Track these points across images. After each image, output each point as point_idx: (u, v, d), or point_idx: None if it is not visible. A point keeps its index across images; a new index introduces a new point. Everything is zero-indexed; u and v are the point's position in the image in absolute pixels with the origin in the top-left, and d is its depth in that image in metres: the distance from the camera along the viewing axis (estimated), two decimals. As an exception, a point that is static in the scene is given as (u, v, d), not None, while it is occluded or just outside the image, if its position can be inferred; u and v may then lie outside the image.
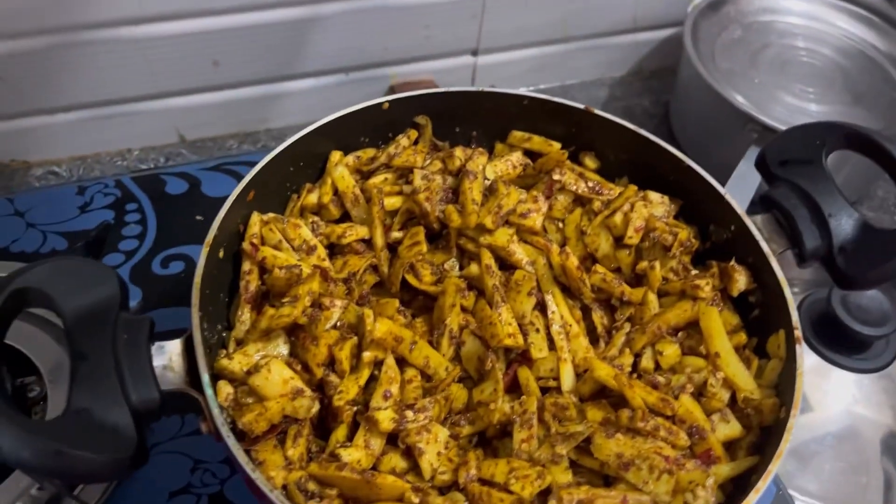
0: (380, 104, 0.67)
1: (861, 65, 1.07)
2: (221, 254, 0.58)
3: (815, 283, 0.93)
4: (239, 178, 0.81)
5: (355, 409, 0.54)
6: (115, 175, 0.84)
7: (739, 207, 0.62)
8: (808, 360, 0.85)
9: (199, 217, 0.82)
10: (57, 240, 0.78)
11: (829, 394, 0.87)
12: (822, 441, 0.84)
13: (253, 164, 0.61)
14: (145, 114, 0.98)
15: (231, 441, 0.47)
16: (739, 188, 0.74)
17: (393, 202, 0.65)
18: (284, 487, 0.50)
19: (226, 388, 0.52)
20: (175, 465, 0.64)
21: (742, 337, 0.60)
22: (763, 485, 0.48)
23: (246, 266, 0.59)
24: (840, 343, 0.84)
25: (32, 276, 0.47)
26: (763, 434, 0.55)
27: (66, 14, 0.85)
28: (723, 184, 0.85)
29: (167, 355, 0.50)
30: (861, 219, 0.59)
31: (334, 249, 0.64)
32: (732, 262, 0.61)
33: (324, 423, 0.56)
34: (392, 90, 1.07)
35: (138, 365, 0.48)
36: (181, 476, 0.64)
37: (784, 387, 0.55)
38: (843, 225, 0.59)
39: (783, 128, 0.90)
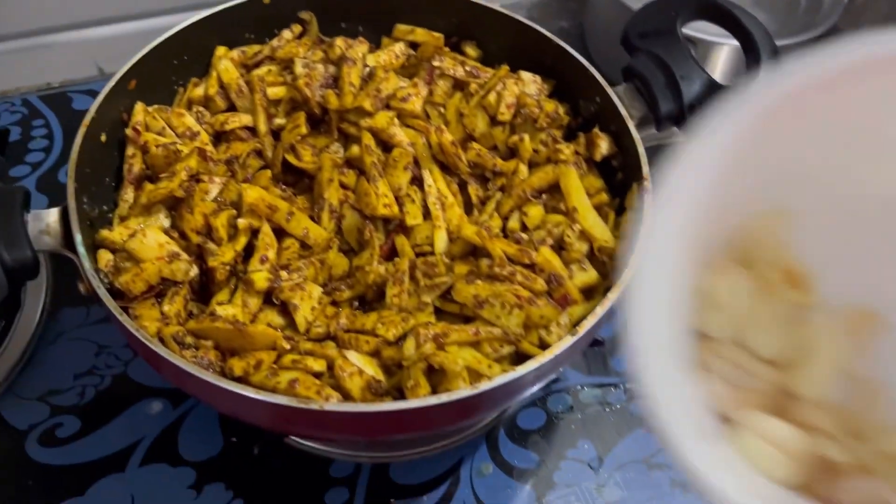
0: (261, -2, 0.69)
1: (761, -30, 1.10)
2: (104, 138, 0.61)
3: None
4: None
5: (229, 268, 0.57)
6: (21, 94, 0.86)
7: (602, 79, 0.65)
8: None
9: (105, 129, 0.84)
10: (-37, 155, 0.81)
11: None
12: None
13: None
14: (63, 45, 0.99)
15: (102, 292, 0.50)
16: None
17: (276, 91, 0.68)
18: (160, 338, 0.53)
19: (106, 256, 0.55)
20: (80, 350, 0.67)
21: (604, 197, 0.63)
22: (601, 310, 0.52)
23: (129, 151, 0.62)
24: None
25: None
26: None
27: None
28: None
29: (44, 222, 0.53)
30: (709, 79, 0.62)
31: (221, 138, 0.67)
32: (595, 130, 0.65)
33: (206, 292, 0.59)
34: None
35: (11, 227, 0.51)
36: (86, 360, 0.67)
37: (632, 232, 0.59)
38: (694, 85, 0.62)
39: (693, 34, 0.93)
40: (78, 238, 0.52)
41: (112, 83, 0.61)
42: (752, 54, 0.61)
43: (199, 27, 0.67)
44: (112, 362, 0.67)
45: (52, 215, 0.53)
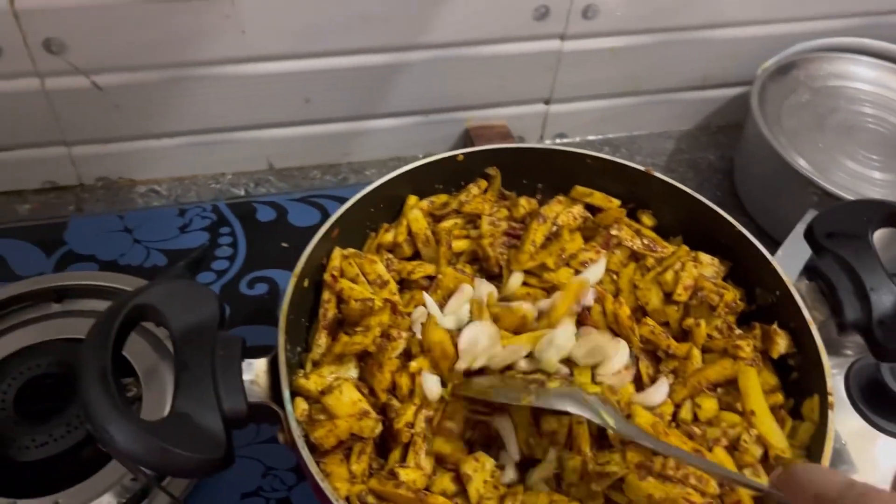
0: (455, 156, 0.74)
1: (929, 134, 1.08)
2: (306, 283, 0.65)
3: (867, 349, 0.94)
4: (321, 209, 0.89)
5: (412, 431, 0.60)
6: (211, 200, 0.93)
7: (785, 275, 0.66)
8: (854, 423, 0.87)
9: (284, 244, 0.89)
10: (158, 256, 0.87)
11: (875, 458, 0.88)
12: (868, 504, 0.85)
13: (335, 197, 0.69)
14: (240, 142, 1.07)
15: (305, 453, 0.54)
16: (795, 249, 0.77)
17: (460, 244, 0.71)
18: (346, 499, 0.56)
19: (302, 405, 0.59)
20: (248, 469, 0.71)
21: (779, 397, 0.63)
22: (785, 538, 0.51)
23: (325, 295, 0.66)
24: (886, 409, 0.85)
25: (150, 295, 0.55)
26: (792, 491, 0.58)
27: (178, 52, 0.94)
28: (780, 242, 0.88)
29: (254, 371, 0.57)
30: (902, 295, 0.62)
31: (404, 284, 0.71)
32: (775, 326, 0.65)
33: (384, 443, 0.62)
34: (467, 133, 1.14)
35: (231, 378, 0.55)
36: (253, 480, 0.71)
37: (815, 448, 0.58)
38: (884, 299, 0.62)
39: (842, 193, 0.92)
40: (287, 395, 0.56)
41: (320, 234, 0.66)
42: (949, 278, 0.60)
43: (399, 179, 0.71)
44: (277, 485, 0.70)
45: (262, 365, 0.57)
